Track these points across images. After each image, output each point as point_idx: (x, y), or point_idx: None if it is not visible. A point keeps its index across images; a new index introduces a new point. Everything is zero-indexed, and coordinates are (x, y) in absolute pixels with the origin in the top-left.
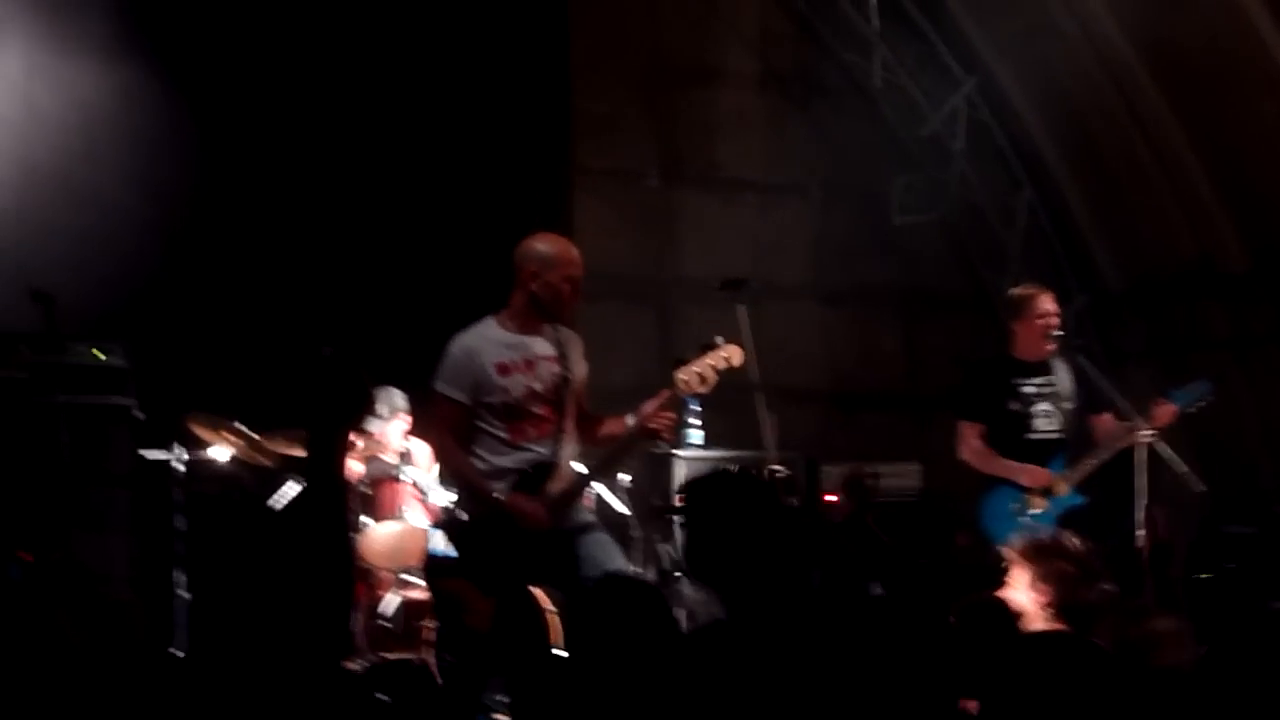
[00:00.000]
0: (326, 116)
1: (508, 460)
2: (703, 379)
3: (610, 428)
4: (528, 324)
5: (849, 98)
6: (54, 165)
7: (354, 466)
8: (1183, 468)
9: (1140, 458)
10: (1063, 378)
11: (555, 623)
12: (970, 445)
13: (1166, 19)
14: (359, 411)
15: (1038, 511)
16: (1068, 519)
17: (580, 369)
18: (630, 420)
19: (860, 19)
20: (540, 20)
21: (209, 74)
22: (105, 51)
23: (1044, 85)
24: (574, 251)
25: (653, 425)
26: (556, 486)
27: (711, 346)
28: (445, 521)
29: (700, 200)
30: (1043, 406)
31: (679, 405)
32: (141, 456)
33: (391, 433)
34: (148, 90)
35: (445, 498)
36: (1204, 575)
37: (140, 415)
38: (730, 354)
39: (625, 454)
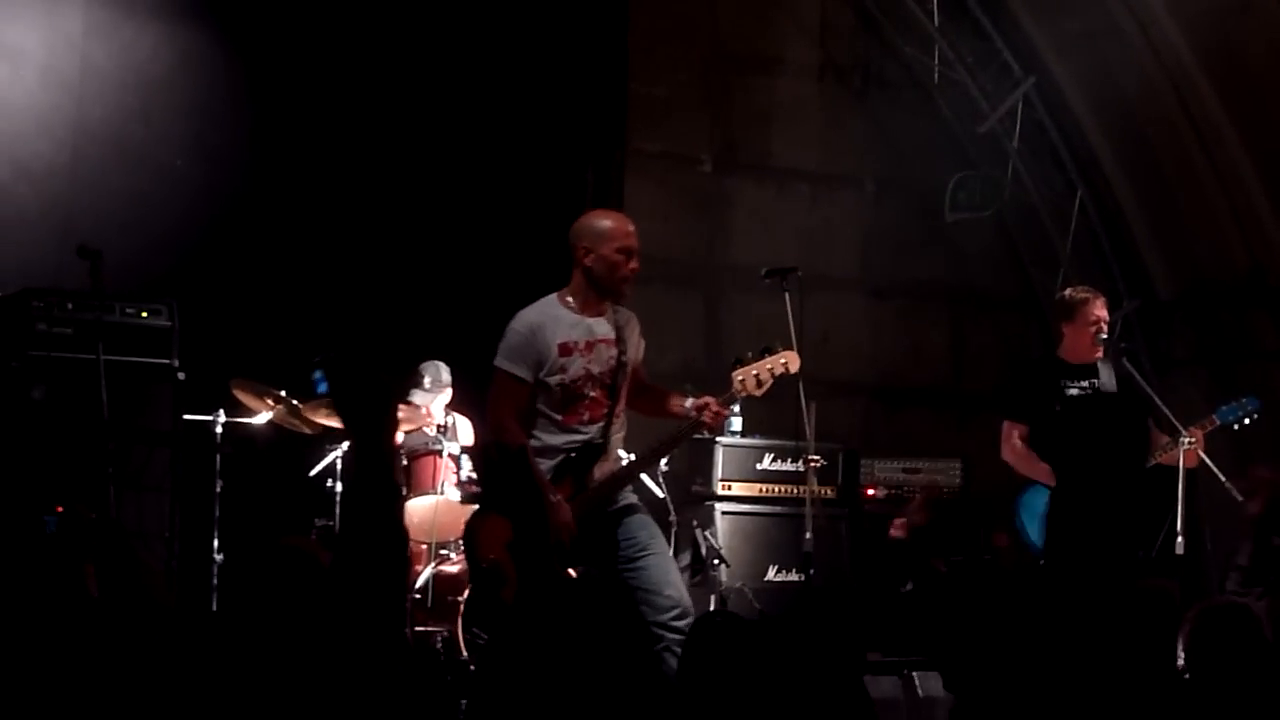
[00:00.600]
0: (382, 88)
1: (557, 440)
2: (759, 382)
3: (670, 405)
4: (588, 304)
5: (906, 92)
6: (108, 125)
7: (396, 437)
8: (1224, 478)
9: (1181, 467)
10: (1108, 381)
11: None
12: (1012, 445)
13: (1228, 25)
14: (385, 411)
15: None
16: None
17: (637, 349)
18: (689, 404)
19: (921, 14)
20: (600, 1)
21: (266, 40)
22: (164, 14)
23: (1102, 88)
24: (627, 224)
25: (707, 419)
26: (601, 472)
27: (771, 351)
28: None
29: (753, 188)
30: None
31: (731, 403)
32: (182, 417)
33: (435, 406)
34: (205, 54)
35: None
36: None
37: (182, 376)
38: (789, 360)
39: (675, 445)
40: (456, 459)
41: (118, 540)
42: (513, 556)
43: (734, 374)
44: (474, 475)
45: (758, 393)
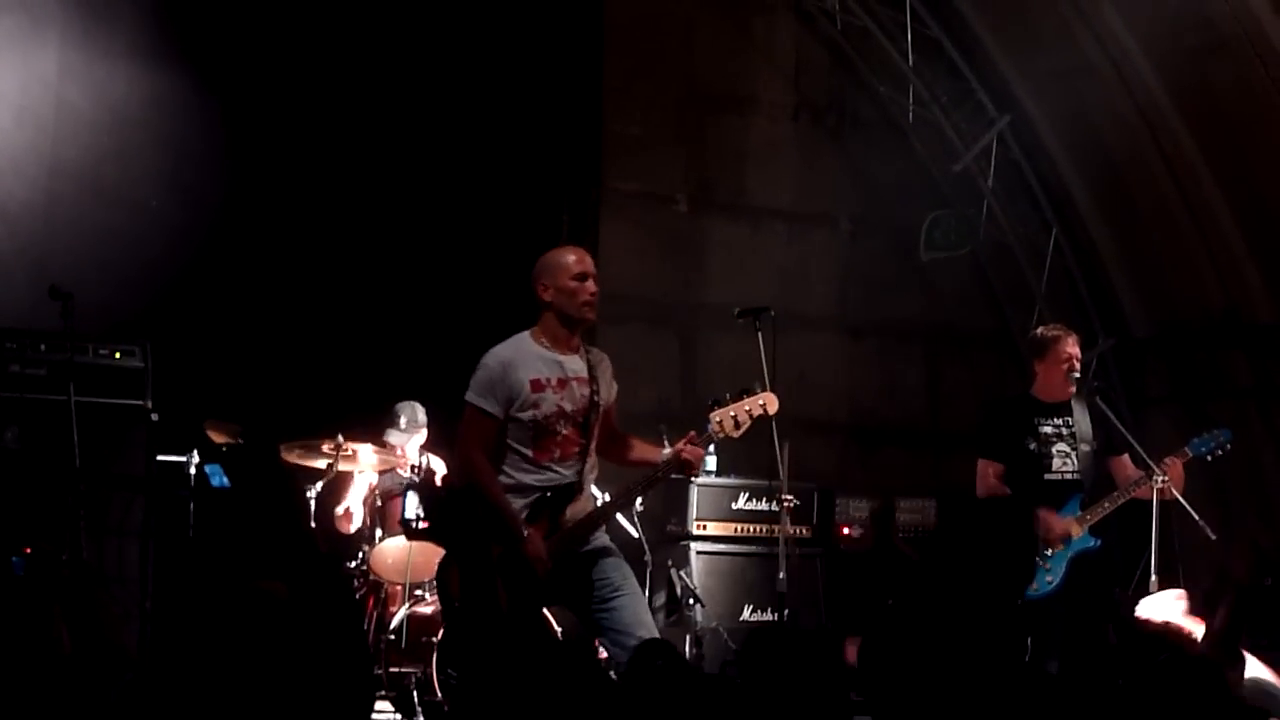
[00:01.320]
0: (356, 127)
1: (530, 478)
2: (737, 424)
3: (642, 452)
4: (559, 340)
5: (881, 131)
6: (83, 165)
7: (370, 478)
8: (1197, 516)
9: (1154, 504)
10: (1081, 419)
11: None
12: (988, 484)
13: (1201, 64)
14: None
15: (1051, 552)
16: (1081, 561)
17: (610, 390)
18: (666, 452)
19: (896, 53)
20: (575, 40)
21: (240, 80)
22: (138, 54)
23: (1077, 127)
24: (578, 252)
25: (686, 457)
26: (575, 511)
27: (749, 392)
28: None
29: (728, 227)
30: (1060, 447)
31: (708, 444)
32: (155, 458)
33: (410, 446)
34: (179, 94)
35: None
36: None
37: (155, 417)
38: (767, 402)
39: (650, 487)
40: None
41: (83, 582)
42: (470, 592)
43: (712, 415)
44: (420, 513)
45: (735, 434)
